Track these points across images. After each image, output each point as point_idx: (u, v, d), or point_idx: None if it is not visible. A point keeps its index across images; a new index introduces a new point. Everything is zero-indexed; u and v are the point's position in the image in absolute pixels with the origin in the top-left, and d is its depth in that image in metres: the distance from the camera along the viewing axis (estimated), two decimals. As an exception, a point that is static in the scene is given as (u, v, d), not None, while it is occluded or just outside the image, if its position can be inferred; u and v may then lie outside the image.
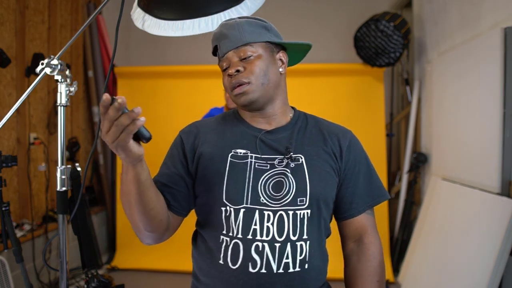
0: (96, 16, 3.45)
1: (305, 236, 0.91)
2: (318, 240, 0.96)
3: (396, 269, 3.12)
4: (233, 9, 1.18)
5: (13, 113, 1.04)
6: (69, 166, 1.08)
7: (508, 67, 1.99)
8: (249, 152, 0.95)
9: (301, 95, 3.33)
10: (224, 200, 0.92)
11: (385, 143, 3.33)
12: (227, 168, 0.93)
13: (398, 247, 3.21)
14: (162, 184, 0.95)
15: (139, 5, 1.22)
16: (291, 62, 1.08)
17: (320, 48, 4.17)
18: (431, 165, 3.06)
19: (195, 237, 1.03)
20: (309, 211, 0.92)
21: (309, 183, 0.92)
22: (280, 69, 1.00)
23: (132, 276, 3.23)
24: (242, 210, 0.90)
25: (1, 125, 1.01)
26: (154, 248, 3.42)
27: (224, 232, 0.92)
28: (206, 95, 3.34)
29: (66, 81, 1.05)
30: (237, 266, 0.89)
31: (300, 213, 0.91)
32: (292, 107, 1.07)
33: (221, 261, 0.91)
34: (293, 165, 0.93)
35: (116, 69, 3.55)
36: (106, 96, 0.68)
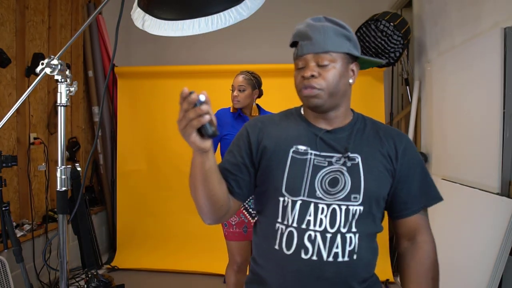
0: (96, 16, 3.45)
1: (354, 229, 0.96)
2: (368, 234, 1.00)
3: (396, 269, 3.12)
4: (233, 9, 1.18)
5: (13, 113, 1.04)
6: (69, 166, 1.08)
7: (508, 67, 1.99)
8: (309, 149, 1.01)
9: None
10: (284, 191, 0.98)
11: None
12: (288, 162, 1.00)
13: (398, 247, 3.20)
14: (227, 170, 1.03)
15: (139, 5, 1.22)
16: (361, 66, 1.13)
17: (320, 48, 4.17)
18: (431, 165, 3.06)
19: (255, 224, 1.10)
20: (361, 208, 0.97)
21: (364, 181, 0.98)
22: (350, 80, 1.06)
23: (132, 276, 3.23)
24: (299, 202, 0.97)
25: (1, 125, 1.01)
26: (154, 248, 3.42)
27: (279, 220, 0.99)
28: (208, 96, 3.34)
29: (66, 81, 1.05)
30: (291, 252, 0.95)
31: (353, 209, 0.97)
32: (352, 110, 1.14)
33: (276, 247, 0.98)
34: (350, 164, 0.99)
35: (116, 69, 3.55)
36: (186, 89, 0.80)
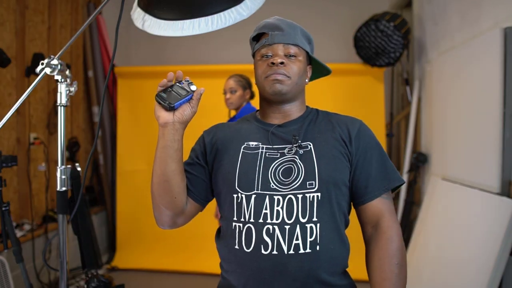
0: (96, 16, 3.45)
1: (315, 219, 0.94)
2: (332, 224, 0.97)
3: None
4: (233, 9, 1.18)
5: (13, 113, 1.04)
6: (69, 166, 1.08)
7: (508, 67, 1.99)
8: (260, 143, 1.02)
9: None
10: (237, 188, 0.98)
11: (385, 143, 3.34)
12: (239, 159, 1.00)
13: (398, 247, 3.20)
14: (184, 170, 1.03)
15: (139, 5, 1.22)
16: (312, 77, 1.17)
17: (320, 48, 4.17)
18: (431, 165, 3.06)
19: (217, 230, 1.09)
20: (319, 194, 0.95)
21: (317, 166, 0.96)
22: (306, 80, 1.09)
23: (132, 276, 3.23)
24: (253, 196, 0.96)
25: (1, 125, 1.01)
26: (154, 248, 3.42)
27: (235, 218, 0.97)
28: (206, 95, 3.32)
29: (66, 81, 1.05)
30: (250, 249, 0.94)
31: (310, 196, 0.95)
32: (307, 106, 1.14)
33: (236, 246, 0.96)
34: (302, 151, 0.98)
35: (116, 69, 3.55)
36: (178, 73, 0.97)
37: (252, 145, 1.02)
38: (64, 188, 1.06)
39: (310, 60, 1.10)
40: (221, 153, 1.04)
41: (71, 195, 1.09)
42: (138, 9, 1.22)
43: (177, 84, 0.97)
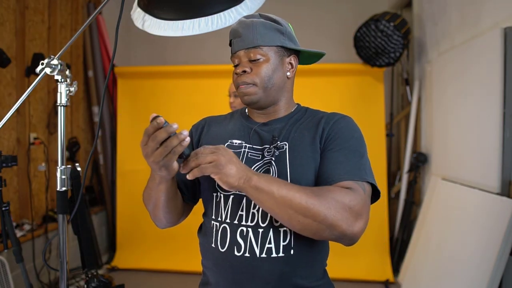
0: (96, 16, 3.45)
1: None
2: None
3: (396, 269, 3.12)
4: (233, 9, 1.18)
5: (13, 113, 1.04)
6: (69, 166, 1.08)
7: (508, 67, 1.99)
8: (243, 142, 1.00)
9: (301, 95, 3.30)
10: (217, 187, 0.97)
11: (385, 143, 3.33)
12: None
13: (398, 247, 3.21)
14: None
15: (139, 5, 1.22)
16: (305, 62, 1.12)
17: (320, 48, 4.17)
18: (431, 165, 3.06)
19: (200, 225, 1.07)
20: None
21: (289, 169, 0.93)
22: (288, 73, 1.02)
23: (132, 276, 3.23)
24: (231, 197, 0.95)
25: (1, 125, 1.01)
26: (154, 248, 3.42)
27: (214, 217, 0.97)
28: (206, 95, 3.34)
29: (66, 81, 1.05)
30: (224, 249, 0.93)
31: None
32: (298, 104, 1.10)
33: (213, 245, 0.96)
34: (278, 153, 0.96)
35: (116, 69, 3.55)
36: (160, 120, 0.77)
37: (236, 143, 1.00)
38: (64, 188, 1.06)
39: (294, 50, 1.03)
40: None
41: (71, 195, 1.09)
42: (138, 9, 1.22)
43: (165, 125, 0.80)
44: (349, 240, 0.86)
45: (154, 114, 0.79)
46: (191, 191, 1.05)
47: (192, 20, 1.17)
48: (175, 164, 0.83)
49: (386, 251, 3.20)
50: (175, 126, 0.77)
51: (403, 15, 3.52)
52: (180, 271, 3.23)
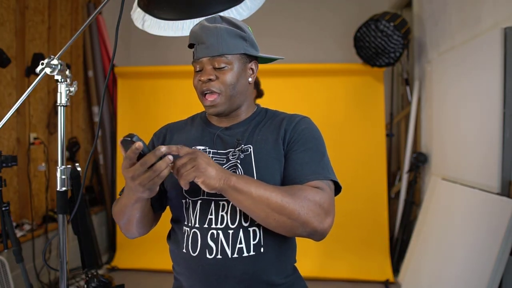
0: (96, 16, 3.45)
1: (257, 222, 0.92)
2: None
3: (396, 269, 3.12)
4: (233, 9, 1.18)
5: (13, 113, 1.04)
6: (69, 166, 1.07)
7: (508, 67, 1.99)
8: (207, 148, 1.02)
9: (301, 95, 3.33)
10: (184, 193, 0.98)
11: (385, 143, 3.34)
12: None
13: (398, 247, 3.21)
14: None
15: (139, 5, 1.22)
16: (263, 61, 1.11)
17: (320, 48, 4.19)
18: (431, 165, 3.06)
19: (169, 232, 1.09)
20: None
21: (256, 171, 0.95)
22: (249, 79, 1.04)
23: (132, 276, 3.23)
24: (199, 202, 0.97)
25: (1, 125, 1.01)
26: (154, 248, 3.41)
27: (185, 223, 0.99)
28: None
29: (66, 81, 1.05)
30: (196, 253, 0.95)
31: None
32: (257, 105, 1.12)
33: (184, 250, 0.98)
34: (243, 155, 0.98)
35: (116, 69, 3.55)
36: (139, 145, 0.79)
37: (199, 149, 0.99)
38: (64, 188, 1.05)
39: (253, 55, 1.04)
40: None
41: (71, 195, 1.08)
42: (138, 9, 1.22)
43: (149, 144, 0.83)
44: (319, 236, 0.91)
45: (125, 137, 0.82)
46: (159, 201, 1.06)
47: (192, 20, 1.17)
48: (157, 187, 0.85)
49: (386, 251, 3.20)
50: (162, 149, 0.79)
51: (403, 15, 3.52)
52: (180, 271, 3.23)
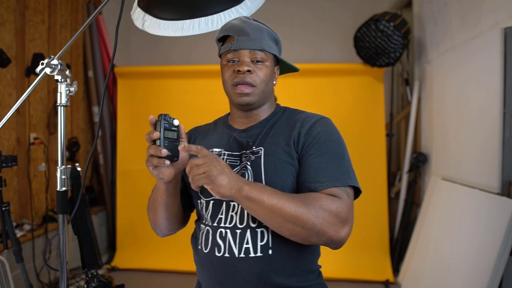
0: (96, 16, 3.45)
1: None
2: None
3: (396, 269, 3.12)
4: (233, 9, 1.18)
5: (13, 113, 1.04)
6: (69, 166, 1.07)
7: (508, 67, 1.99)
8: (223, 150, 1.04)
9: (301, 95, 3.33)
10: (199, 194, 1.02)
11: (385, 143, 3.33)
12: None
13: (398, 247, 3.21)
14: None
15: (139, 5, 1.22)
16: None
17: (320, 48, 4.19)
18: (431, 165, 3.06)
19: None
20: None
21: (264, 173, 0.95)
22: (274, 81, 1.07)
23: (132, 276, 3.23)
24: (211, 202, 1.00)
25: (1, 125, 1.01)
26: (154, 248, 3.42)
27: (199, 221, 1.05)
28: (207, 95, 3.34)
29: (66, 81, 1.05)
30: (207, 250, 0.98)
31: None
32: (277, 104, 1.12)
33: (199, 247, 1.02)
34: (253, 157, 0.98)
35: (116, 69, 3.55)
36: (156, 135, 0.88)
37: (216, 151, 1.04)
38: (64, 188, 1.05)
39: (278, 60, 1.08)
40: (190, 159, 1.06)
41: (71, 195, 1.08)
42: (138, 9, 1.22)
43: (163, 126, 0.88)
44: (336, 245, 0.90)
45: (164, 118, 0.90)
46: (188, 200, 1.11)
47: (192, 20, 1.17)
48: (167, 170, 0.92)
49: (386, 251, 3.20)
50: (155, 134, 0.87)
51: (403, 15, 3.52)
52: (180, 271, 3.23)
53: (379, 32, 3.09)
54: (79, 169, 1.09)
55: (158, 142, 0.87)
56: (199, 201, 1.03)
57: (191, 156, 0.99)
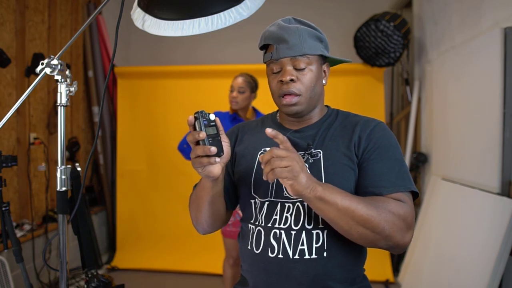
0: (96, 16, 3.45)
1: (321, 225, 0.93)
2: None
3: (396, 269, 3.12)
4: (233, 9, 1.17)
5: (13, 113, 1.04)
6: (69, 166, 1.07)
7: (508, 67, 1.99)
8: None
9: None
10: (253, 194, 1.01)
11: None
12: (255, 165, 1.02)
13: (398, 247, 3.20)
14: None
15: (139, 5, 1.22)
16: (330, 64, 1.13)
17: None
18: (431, 165, 3.06)
19: (240, 230, 1.11)
20: None
21: (324, 176, 0.94)
22: (323, 81, 1.05)
23: (132, 276, 3.23)
24: (266, 203, 0.99)
25: (1, 125, 1.01)
26: (154, 248, 3.42)
27: (252, 221, 1.01)
28: (207, 95, 3.34)
29: (66, 81, 1.05)
30: (259, 251, 0.97)
31: None
32: (327, 106, 1.11)
33: (249, 247, 1.00)
34: (312, 160, 0.97)
35: (116, 69, 3.55)
36: (203, 135, 0.85)
37: (267, 150, 1.00)
38: (64, 188, 1.05)
39: (326, 57, 1.05)
40: (240, 157, 1.07)
41: (71, 195, 1.08)
42: (138, 9, 1.22)
43: (203, 123, 0.88)
44: (400, 249, 0.91)
45: (202, 116, 0.89)
46: (233, 198, 1.10)
47: (192, 20, 1.17)
48: (216, 167, 0.88)
49: (386, 251, 3.19)
50: (201, 135, 0.85)
51: (403, 15, 3.52)
52: (180, 271, 3.23)
53: (379, 32, 3.09)
54: (79, 169, 1.09)
55: (201, 141, 0.85)
56: (252, 201, 1.01)
57: (232, 147, 1.03)
